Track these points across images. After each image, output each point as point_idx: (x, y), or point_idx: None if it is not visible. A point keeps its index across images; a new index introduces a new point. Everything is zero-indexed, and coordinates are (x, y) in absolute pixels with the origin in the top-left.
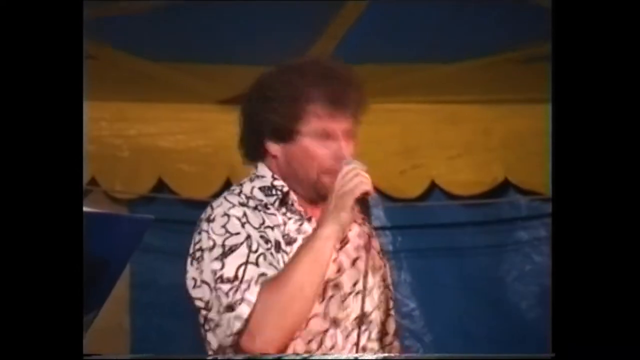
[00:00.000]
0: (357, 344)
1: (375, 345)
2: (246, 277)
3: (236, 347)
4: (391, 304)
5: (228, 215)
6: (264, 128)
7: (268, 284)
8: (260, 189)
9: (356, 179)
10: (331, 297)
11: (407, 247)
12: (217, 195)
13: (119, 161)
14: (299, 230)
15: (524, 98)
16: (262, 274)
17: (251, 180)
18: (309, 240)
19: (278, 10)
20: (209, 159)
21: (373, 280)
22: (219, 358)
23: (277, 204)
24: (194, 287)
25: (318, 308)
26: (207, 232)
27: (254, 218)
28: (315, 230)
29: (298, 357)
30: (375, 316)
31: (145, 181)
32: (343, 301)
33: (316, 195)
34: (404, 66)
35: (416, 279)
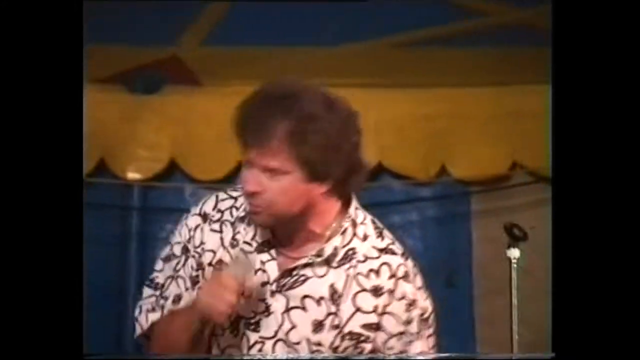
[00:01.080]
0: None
1: None
2: (165, 293)
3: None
4: None
5: (185, 224)
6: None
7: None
8: (237, 206)
9: (213, 297)
10: (243, 335)
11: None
12: (90, 175)
13: None
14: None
15: (400, 83)
16: (178, 296)
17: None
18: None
19: None
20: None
21: (308, 335)
22: (219, 358)
23: (237, 222)
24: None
25: (231, 342)
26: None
27: (199, 235)
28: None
29: (292, 357)
30: None
31: None
32: (257, 343)
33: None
34: (281, 49)
35: None
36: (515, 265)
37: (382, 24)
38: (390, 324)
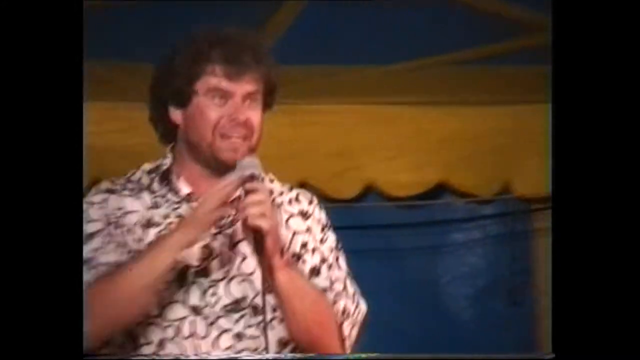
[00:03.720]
0: (229, 330)
1: (255, 331)
2: (95, 261)
3: None
4: (326, 282)
5: (90, 203)
6: (167, 95)
7: (104, 277)
8: (148, 171)
9: (258, 207)
10: (192, 283)
11: (342, 248)
12: None
13: None
14: (167, 215)
15: (459, 100)
16: (106, 263)
17: (149, 164)
18: (159, 242)
19: (215, 9)
20: (145, 157)
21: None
22: (218, 358)
23: (156, 185)
24: None
25: (177, 295)
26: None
27: (112, 203)
28: (170, 234)
29: (288, 357)
30: (262, 300)
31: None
32: (209, 288)
33: (214, 162)
34: (340, 68)
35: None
36: None
37: (439, 41)
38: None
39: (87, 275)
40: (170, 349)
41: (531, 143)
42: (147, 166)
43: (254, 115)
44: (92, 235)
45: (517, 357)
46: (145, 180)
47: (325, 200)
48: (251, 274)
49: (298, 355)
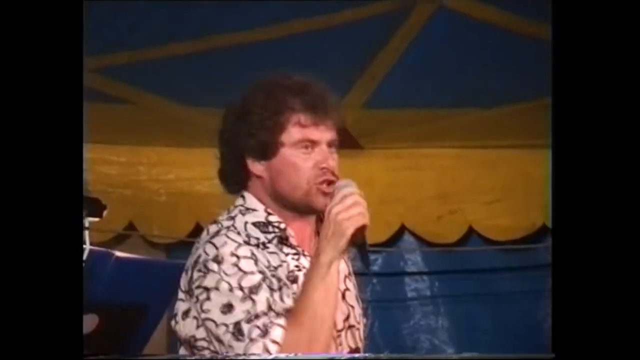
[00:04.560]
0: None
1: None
2: (276, 309)
3: None
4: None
5: (237, 256)
6: (246, 147)
7: (292, 319)
8: (254, 224)
9: (354, 209)
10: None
11: (444, 292)
12: None
13: (156, 206)
14: (298, 267)
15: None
16: (287, 310)
17: (242, 214)
18: (313, 270)
19: (316, 50)
20: None
21: (359, 311)
22: (218, 358)
23: (275, 241)
24: (186, 322)
25: None
26: (215, 272)
27: (261, 257)
28: (316, 257)
29: (297, 357)
30: (362, 348)
31: (183, 226)
32: (336, 338)
33: (306, 209)
34: (442, 111)
35: (453, 324)
36: None
37: (540, 83)
38: None
39: (269, 325)
40: None
41: None
42: (247, 217)
43: (334, 161)
44: (257, 289)
45: (517, 357)
46: (258, 233)
47: (426, 244)
48: (358, 322)
49: (306, 357)
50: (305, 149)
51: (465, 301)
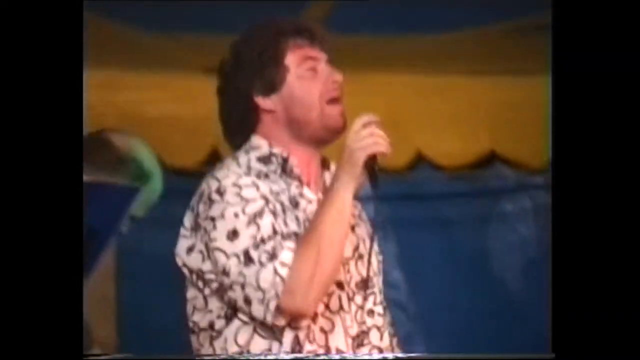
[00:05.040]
0: (362, 307)
1: (380, 309)
2: (282, 232)
3: (276, 311)
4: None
5: (239, 186)
6: (252, 86)
7: (300, 241)
8: (258, 159)
9: (371, 138)
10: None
11: (392, 217)
12: (203, 164)
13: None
14: (301, 195)
15: (515, 69)
16: (294, 232)
17: (246, 152)
18: (328, 194)
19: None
20: (196, 127)
21: (371, 248)
22: (218, 358)
23: (278, 171)
24: (191, 257)
25: None
26: (219, 202)
27: (263, 185)
28: (332, 184)
29: (289, 357)
30: (377, 282)
31: None
32: (344, 265)
33: (326, 130)
34: (390, 38)
35: (401, 249)
36: None
37: (490, 10)
38: None
39: (278, 248)
40: (322, 323)
41: None
42: (252, 154)
43: (341, 77)
44: (260, 214)
45: (517, 357)
46: (260, 166)
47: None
48: (370, 256)
49: (320, 356)
50: (309, 69)
51: (412, 227)
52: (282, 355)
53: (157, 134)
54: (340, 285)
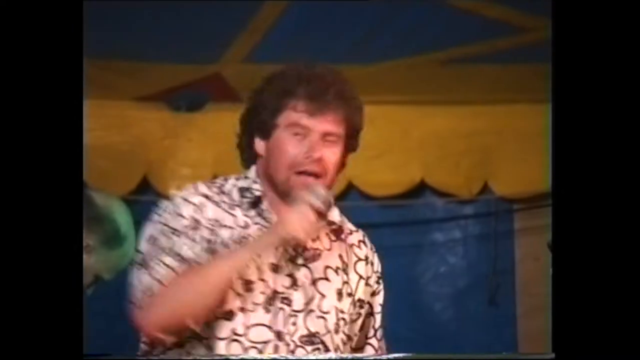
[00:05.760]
0: None
1: None
2: (180, 253)
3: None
4: (371, 332)
5: (186, 200)
6: (253, 126)
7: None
8: (239, 189)
9: (298, 222)
10: (279, 309)
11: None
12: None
13: None
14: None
15: (444, 99)
16: (189, 258)
17: (237, 179)
18: (242, 243)
19: (199, 7)
20: (126, 156)
21: (335, 304)
22: (218, 358)
23: (246, 206)
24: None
25: (263, 318)
26: (163, 208)
27: (209, 211)
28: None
29: (291, 358)
30: (330, 339)
31: None
32: (290, 316)
33: (286, 196)
34: None
35: None
36: None
37: (424, 40)
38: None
39: (169, 264)
40: None
41: (513, 143)
42: (239, 182)
43: (331, 155)
44: (178, 231)
45: (517, 357)
46: (236, 196)
47: None
48: (327, 312)
49: (307, 357)
50: (295, 135)
51: None
52: (279, 356)
53: (87, 162)
54: (279, 335)
